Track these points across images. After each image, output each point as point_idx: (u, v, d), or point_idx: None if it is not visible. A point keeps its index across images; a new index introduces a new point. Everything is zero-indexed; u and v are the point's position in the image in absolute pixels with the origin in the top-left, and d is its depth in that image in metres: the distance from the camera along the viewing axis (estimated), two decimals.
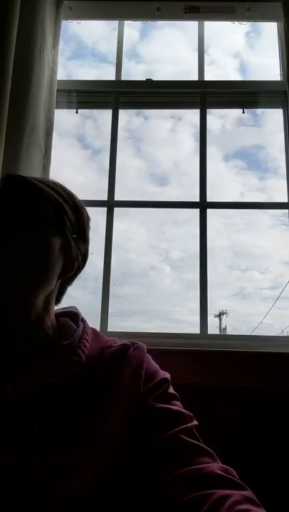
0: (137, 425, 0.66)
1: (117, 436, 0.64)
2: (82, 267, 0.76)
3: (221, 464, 0.63)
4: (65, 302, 0.79)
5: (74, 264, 0.72)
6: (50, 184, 0.71)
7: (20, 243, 0.63)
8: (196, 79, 1.58)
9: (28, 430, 0.59)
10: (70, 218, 0.71)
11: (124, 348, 0.74)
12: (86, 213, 0.76)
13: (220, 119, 1.64)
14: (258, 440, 1.02)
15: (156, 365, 0.76)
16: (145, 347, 0.77)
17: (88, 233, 0.77)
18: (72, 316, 0.76)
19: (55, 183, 0.73)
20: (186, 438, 0.65)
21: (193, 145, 1.61)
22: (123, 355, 0.73)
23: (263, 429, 1.03)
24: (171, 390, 0.73)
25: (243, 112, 1.63)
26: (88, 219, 0.77)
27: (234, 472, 0.62)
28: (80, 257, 0.73)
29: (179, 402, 0.71)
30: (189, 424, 0.67)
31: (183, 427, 0.66)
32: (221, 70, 1.71)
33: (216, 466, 0.62)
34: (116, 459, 0.62)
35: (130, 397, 0.68)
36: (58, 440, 0.60)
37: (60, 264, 0.69)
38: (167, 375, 0.74)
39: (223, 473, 0.60)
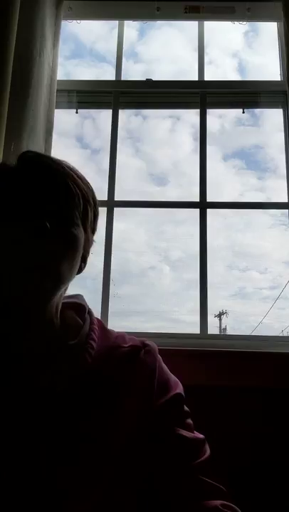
0: (148, 443, 0.63)
1: (124, 451, 0.60)
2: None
3: (224, 502, 0.62)
4: None
5: (87, 259, 0.69)
6: (74, 170, 0.65)
7: (49, 235, 0.57)
8: (195, 78, 1.58)
9: (32, 438, 0.56)
10: (92, 210, 0.67)
11: (135, 350, 0.69)
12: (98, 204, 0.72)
13: (219, 118, 1.64)
14: (258, 440, 1.02)
15: (168, 372, 0.72)
16: (156, 348, 0.72)
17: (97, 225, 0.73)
18: (78, 308, 0.71)
19: (77, 169, 0.67)
20: (199, 477, 0.63)
21: (191, 145, 1.61)
22: (133, 360, 0.67)
23: (264, 429, 1.03)
24: (185, 407, 0.69)
25: (243, 112, 1.63)
26: (98, 213, 0.73)
27: (237, 509, 0.62)
28: (89, 252, 0.70)
29: (191, 421, 0.69)
30: (203, 459, 0.65)
31: (198, 461, 0.64)
32: (219, 69, 1.72)
33: (219, 503, 0.61)
34: (123, 474, 0.59)
35: (140, 410, 0.64)
36: (62, 452, 0.56)
37: (80, 258, 0.65)
38: (180, 388, 0.70)
39: (224, 510, 0.60)
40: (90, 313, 0.71)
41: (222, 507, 0.60)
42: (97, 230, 0.73)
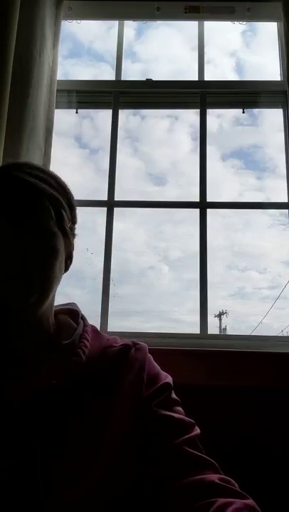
0: (139, 431, 0.65)
1: (118, 442, 0.63)
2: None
3: (222, 475, 0.62)
4: (63, 301, 0.78)
5: (72, 256, 0.71)
6: (42, 176, 0.66)
7: (30, 251, 0.60)
8: (193, 78, 1.58)
9: (28, 434, 0.58)
10: (66, 210, 0.69)
11: (126, 348, 0.72)
12: (71, 193, 0.73)
13: (217, 118, 1.64)
14: (258, 440, 1.02)
15: (157, 367, 0.74)
16: (147, 347, 0.75)
17: (76, 212, 0.74)
18: (72, 313, 0.75)
19: (44, 172, 0.68)
20: (188, 449, 0.64)
21: (190, 144, 1.61)
22: (124, 357, 0.71)
23: (263, 429, 1.03)
24: (173, 395, 0.72)
25: (243, 112, 1.63)
26: (75, 205, 0.74)
27: (235, 483, 0.61)
28: (73, 248, 0.72)
29: (180, 408, 0.70)
30: (192, 434, 0.66)
31: (186, 437, 0.65)
32: (217, 69, 1.71)
33: (216, 477, 0.61)
34: (118, 465, 0.61)
35: (132, 401, 0.66)
36: (60, 446, 0.59)
37: (64, 260, 0.68)
38: (169, 379, 0.73)
39: (224, 483, 0.60)
40: (83, 318, 0.75)
41: (220, 481, 0.60)
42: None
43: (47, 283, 0.62)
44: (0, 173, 0.65)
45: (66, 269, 0.71)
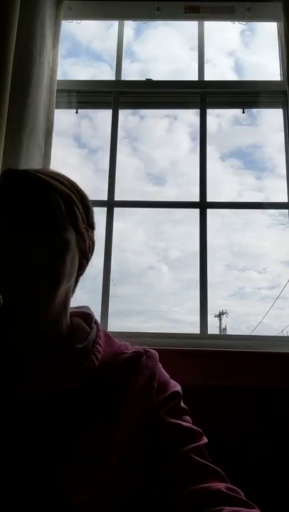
0: (147, 438, 0.65)
1: (127, 448, 0.63)
2: (92, 255, 0.75)
3: (229, 485, 0.62)
4: None
5: (88, 255, 0.71)
6: (53, 175, 0.68)
7: (38, 244, 0.61)
8: (193, 78, 1.58)
9: (38, 435, 0.58)
10: (80, 208, 0.69)
11: (137, 355, 0.72)
12: (88, 199, 0.74)
13: (216, 118, 1.63)
14: (258, 440, 1.02)
15: (167, 376, 0.75)
16: (157, 355, 0.75)
17: (94, 219, 0.74)
18: (85, 316, 0.75)
19: (57, 174, 0.70)
20: (195, 458, 0.64)
21: (189, 144, 1.61)
22: (136, 364, 0.71)
23: (263, 430, 1.03)
24: (182, 404, 0.72)
25: (243, 112, 1.63)
26: (91, 205, 0.75)
27: (241, 492, 0.61)
28: (92, 246, 0.72)
29: (189, 417, 0.71)
30: (200, 443, 0.66)
31: (193, 445, 0.65)
32: (216, 68, 1.71)
33: (222, 486, 0.61)
34: (124, 470, 0.61)
35: (142, 408, 0.67)
36: (69, 449, 0.59)
37: (77, 257, 0.68)
38: (178, 388, 0.73)
39: (230, 492, 0.60)
40: (96, 322, 0.75)
41: (227, 490, 0.60)
42: (96, 224, 0.75)
43: (54, 277, 0.62)
44: (12, 172, 0.67)
45: (81, 268, 0.70)
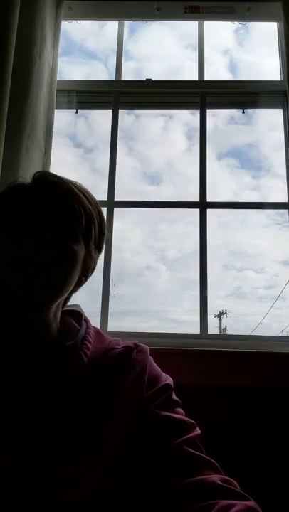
0: (139, 433, 0.65)
1: (119, 443, 0.63)
2: (90, 276, 0.77)
3: (223, 476, 0.62)
4: None
5: (88, 274, 0.73)
6: (82, 189, 0.70)
7: (50, 247, 0.62)
8: (190, 77, 1.58)
9: (28, 434, 0.58)
10: (96, 229, 0.71)
11: (127, 350, 0.73)
12: (105, 223, 0.76)
13: (212, 117, 1.62)
14: (258, 440, 1.02)
15: (158, 369, 0.75)
16: (148, 349, 0.76)
17: (104, 244, 0.77)
18: (75, 314, 0.75)
19: (85, 189, 0.72)
20: (189, 449, 0.64)
21: (185, 143, 1.61)
22: (126, 359, 0.71)
23: (263, 429, 1.03)
24: (173, 396, 0.72)
25: (243, 112, 1.63)
26: (106, 230, 0.77)
27: (236, 483, 0.61)
28: (93, 268, 0.74)
29: (181, 409, 0.71)
30: (192, 434, 0.66)
31: (186, 437, 0.65)
32: (213, 67, 1.70)
33: (217, 477, 0.61)
34: (117, 467, 0.61)
35: (133, 403, 0.67)
36: (60, 447, 0.59)
37: (79, 273, 0.69)
38: (170, 380, 0.73)
39: (225, 484, 0.60)
40: (86, 319, 0.76)
41: (221, 482, 0.60)
42: (103, 245, 0.77)
43: (58, 284, 0.64)
44: (46, 174, 0.69)
45: (78, 284, 0.72)
